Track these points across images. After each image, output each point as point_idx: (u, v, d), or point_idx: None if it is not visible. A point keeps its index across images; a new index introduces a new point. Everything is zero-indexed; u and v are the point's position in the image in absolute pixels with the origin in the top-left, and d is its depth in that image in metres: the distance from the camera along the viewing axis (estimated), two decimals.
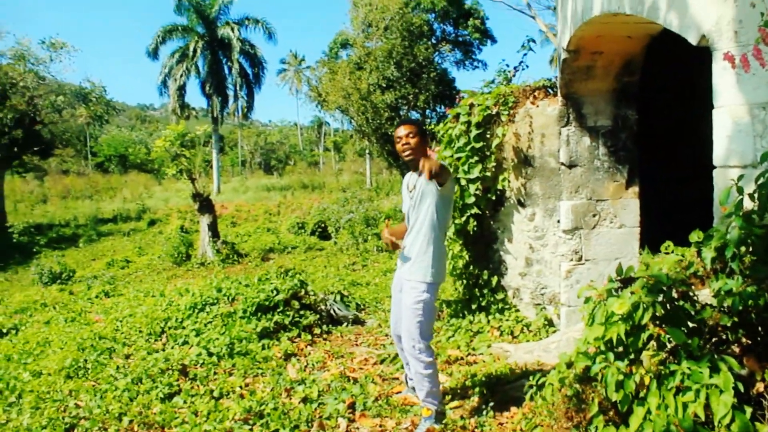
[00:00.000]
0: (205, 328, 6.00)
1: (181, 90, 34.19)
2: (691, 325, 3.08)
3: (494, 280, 5.98)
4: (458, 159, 5.87)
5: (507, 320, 5.78)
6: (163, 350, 5.73)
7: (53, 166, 44.25)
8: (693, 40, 3.39)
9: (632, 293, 2.95)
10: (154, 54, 33.81)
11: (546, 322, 5.65)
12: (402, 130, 3.95)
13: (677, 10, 3.50)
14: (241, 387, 4.80)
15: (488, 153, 5.80)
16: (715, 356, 2.94)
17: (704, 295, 3.25)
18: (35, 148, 27.55)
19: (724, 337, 3.24)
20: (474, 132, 5.79)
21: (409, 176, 4.12)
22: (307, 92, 33.75)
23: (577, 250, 5.55)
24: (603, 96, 5.42)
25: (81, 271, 14.85)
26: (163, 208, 27.53)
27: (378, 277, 10.64)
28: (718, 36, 3.22)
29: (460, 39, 33.04)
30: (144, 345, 5.90)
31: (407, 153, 3.92)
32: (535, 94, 5.74)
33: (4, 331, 7.64)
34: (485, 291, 6.02)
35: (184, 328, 6.09)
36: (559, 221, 5.61)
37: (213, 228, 15.67)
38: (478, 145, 5.78)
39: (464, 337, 5.59)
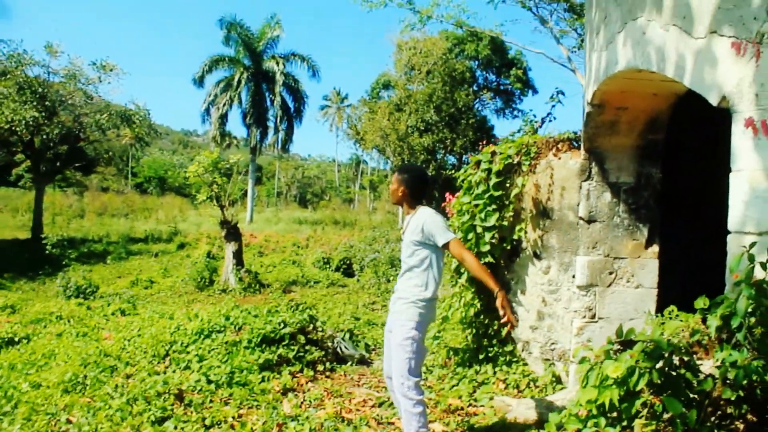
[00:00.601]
0: (208, 354, 5.95)
1: (223, 119, 34.86)
2: (691, 395, 2.94)
3: (504, 331, 5.84)
4: (476, 206, 5.81)
5: (514, 373, 5.62)
6: (165, 373, 5.69)
7: (94, 182, 45.36)
8: (714, 101, 3.31)
9: (630, 357, 2.83)
10: (200, 82, 34.64)
11: (554, 379, 5.47)
12: (393, 176, 4.26)
13: (699, 69, 3.43)
14: (233, 417, 4.72)
15: (506, 202, 5.73)
16: (715, 431, 2.80)
17: (709, 365, 3.11)
18: (77, 164, 28.27)
19: (728, 411, 3.08)
20: (494, 180, 5.73)
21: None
22: (346, 130, 34.28)
23: (590, 307, 5.40)
24: (626, 152, 5.32)
25: (105, 288, 15.02)
26: (194, 233, 27.83)
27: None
28: (738, 98, 3.14)
29: (502, 87, 33.34)
30: (146, 366, 5.87)
31: (389, 196, 4.37)
32: (559, 146, 5.66)
33: (16, 339, 7.71)
34: (494, 342, 5.88)
35: (188, 352, 6.05)
36: (574, 276, 5.47)
37: (238, 256, 15.77)
38: (496, 194, 5.71)
39: (467, 387, 5.44)
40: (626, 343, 3.10)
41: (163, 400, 4.96)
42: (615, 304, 5.38)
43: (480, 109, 32.83)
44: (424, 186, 4.17)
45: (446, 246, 3.81)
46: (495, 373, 5.69)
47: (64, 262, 17.30)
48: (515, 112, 33.69)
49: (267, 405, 5.02)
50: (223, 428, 4.53)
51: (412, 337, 3.80)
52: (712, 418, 3.04)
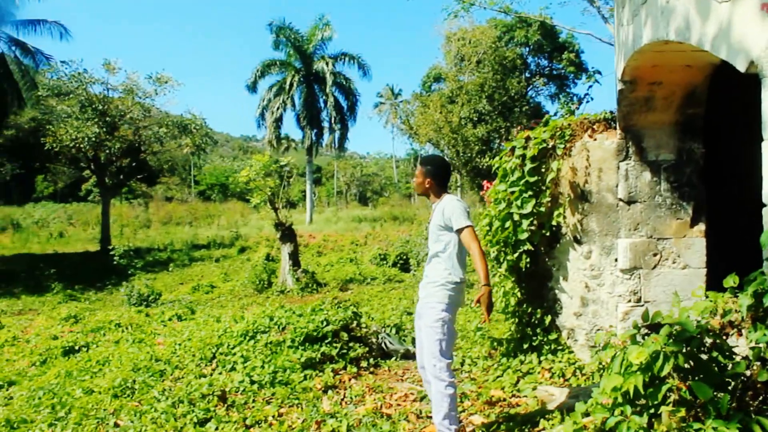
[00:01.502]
0: (252, 355, 6.02)
1: (278, 122, 35.33)
2: (726, 379, 2.78)
3: (548, 319, 5.70)
4: (512, 193, 5.68)
5: (559, 362, 5.47)
6: (211, 375, 5.79)
7: (159, 193, 46.74)
8: (741, 67, 3.12)
9: (654, 341, 2.70)
10: (253, 88, 35.23)
11: (601, 366, 5.29)
12: (416, 168, 4.30)
13: (725, 34, 3.24)
14: (273, 416, 4.76)
15: (543, 187, 5.57)
16: (752, 416, 2.63)
17: (744, 346, 2.93)
18: (139, 176, 29.16)
19: None
20: (528, 165, 5.58)
21: None
22: (399, 125, 34.20)
23: (635, 290, 5.21)
24: (665, 129, 5.10)
25: (167, 294, 15.41)
26: (255, 236, 28.28)
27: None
28: (767, 62, 2.94)
29: (555, 72, 32.64)
30: (194, 369, 5.99)
31: (413, 188, 4.21)
32: (594, 127, 5.48)
33: (77, 348, 7.98)
34: (538, 330, 5.74)
35: (233, 354, 6.14)
36: (616, 260, 5.30)
37: (294, 257, 15.93)
38: (532, 179, 5.56)
39: (511, 378, 5.33)
40: (655, 327, 2.96)
41: (207, 401, 5.05)
42: (661, 287, 5.18)
43: (533, 95, 32.30)
44: (448, 174, 4.32)
45: (460, 231, 3.88)
46: (540, 362, 5.56)
47: (129, 272, 17.84)
48: (570, 96, 32.95)
49: (307, 403, 5.04)
50: (263, 427, 4.57)
51: (443, 318, 3.89)
52: (755, 403, 2.87)
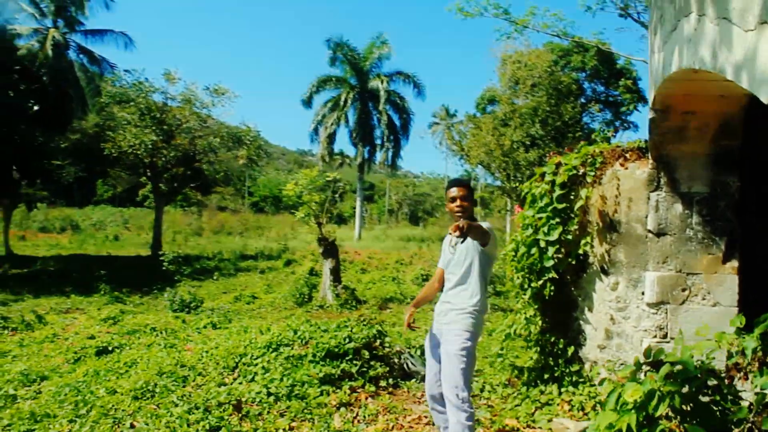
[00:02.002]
0: (273, 367, 6.05)
1: (331, 137, 35.81)
2: (729, 425, 2.65)
3: (570, 350, 5.57)
4: (539, 219, 5.59)
5: (580, 394, 5.32)
6: (231, 384, 5.84)
7: (214, 202, 47.71)
8: (765, 98, 3.01)
9: (651, 380, 2.60)
10: (308, 103, 35.82)
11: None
12: (456, 191, 4.14)
13: (749, 64, 3.13)
14: (285, 429, 4.78)
15: (571, 215, 5.47)
16: None
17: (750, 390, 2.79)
18: (192, 185, 29.82)
19: None
20: (557, 192, 5.49)
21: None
22: (451, 146, 34.08)
23: (662, 326, 5.04)
24: (699, 160, 4.94)
25: (209, 302, 15.64)
26: (302, 250, 28.51)
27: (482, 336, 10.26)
28: None
29: (611, 99, 32.04)
30: (216, 377, 6.05)
31: (460, 213, 4.08)
32: (626, 155, 5.36)
33: (110, 348, 8.17)
34: (560, 361, 5.61)
35: (255, 365, 6.18)
36: (643, 293, 5.14)
37: (335, 272, 15.97)
38: (560, 206, 5.47)
39: (528, 408, 5.22)
40: (658, 365, 2.86)
41: (222, 410, 5.10)
42: (689, 324, 4.98)
43: (588, 122, 31.70)
44: None
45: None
46: (560, 393, 5.43)
47: (176, 278, 18.19)
48: (625, 124, 32.30)
49: (320, 419, 5.03)
50: None
51: (467, 348, 3.83)
52: None
